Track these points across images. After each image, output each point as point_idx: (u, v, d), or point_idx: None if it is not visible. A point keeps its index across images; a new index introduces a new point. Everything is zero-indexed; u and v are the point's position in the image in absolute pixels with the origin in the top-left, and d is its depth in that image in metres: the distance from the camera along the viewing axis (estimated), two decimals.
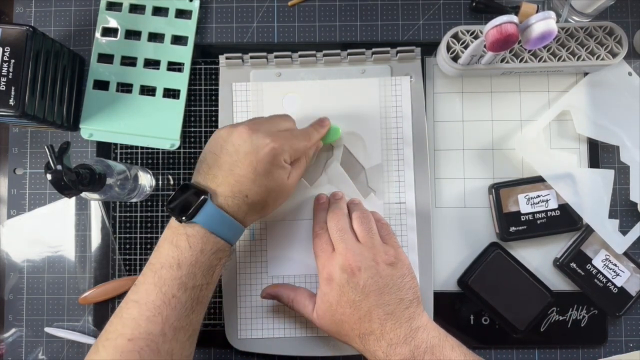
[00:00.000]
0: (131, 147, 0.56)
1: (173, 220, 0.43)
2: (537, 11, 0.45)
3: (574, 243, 0.53)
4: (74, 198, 0.56)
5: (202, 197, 0.42)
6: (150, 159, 0.56)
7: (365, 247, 0.46)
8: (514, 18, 0.44)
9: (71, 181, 0.40)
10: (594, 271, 0.53)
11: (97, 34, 0.56)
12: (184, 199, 0.42)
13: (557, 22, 0.45)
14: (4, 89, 0.47)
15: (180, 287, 0.41)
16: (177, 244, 0.42)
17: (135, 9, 0.57)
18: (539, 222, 0.53)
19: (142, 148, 0.56)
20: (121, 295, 0.55)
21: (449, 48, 0.52)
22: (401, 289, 0.45)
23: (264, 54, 0.55)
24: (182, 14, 0.57)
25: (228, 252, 0.45)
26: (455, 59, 0.52)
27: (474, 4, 0.56)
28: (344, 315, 0.45)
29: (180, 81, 0.56)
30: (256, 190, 0.44)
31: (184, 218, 0.42)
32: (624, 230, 0.53)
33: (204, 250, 0.42)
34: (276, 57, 0.55)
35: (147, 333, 0.40)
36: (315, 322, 0.48)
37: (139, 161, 0.56)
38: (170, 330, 0.41)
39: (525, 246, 0.54)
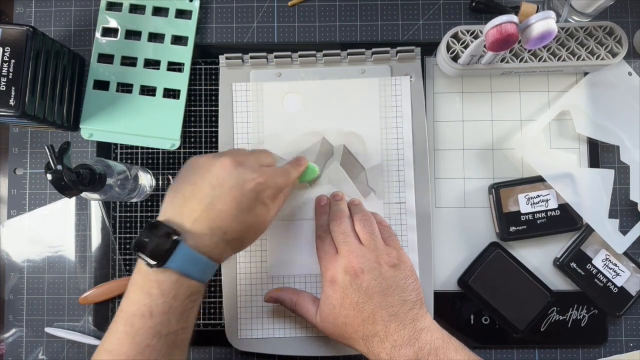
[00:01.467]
0: (131, 147, 0.56)
1: (141, 264, 0.40)
2: (537, 11, 0.45)
3: (574, 243, 0.53)
4: (74, 198, 0.56)
5: (174, 238, 0.39)
6: (150, 159, 0.56)
7: (367, 249, 0.46)
8: (514, 18, 0.44)
9: (71, 181, 0.40)
10: (594, 271, 0.53)
11: (97, 34, 0.56)
12: (154, 242, 0.39)
13: (557, 22, 0.45)
14: (4, 89, 0.47)
15: (155, 335, 0.39)
16: (148, 291, 0.39)
17: (135, 9, 0.57)
18: (539, 222, 0.53)
19: (142, 148, 0.56)
20: (121, 296, 0.55)
21: (449, 48, 0.52)
22: (404, 290, 0.45)
23: (264, 54, 0.55)
24: (182, 14, 0.57)
25: (202, 292, 0.42)
26: (455, 59, 0.52)
27: (474, 4, 0.56)
28: (348, 317, 0.45)
29: (181, 81, 0.56)
30: (236, 226, 0.42)
31: (154, 264, 0.39)
32: (624, 230, 0.53)
33: (177, 296, 0.39)
34: (276, 57, 0.55)
35: None
36: (318, 325, 0.48)
37: (139, 161, 0.56)
38: None
39: (525, 246, 0.54)
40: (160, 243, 0.39)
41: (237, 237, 0.42)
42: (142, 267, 0.40)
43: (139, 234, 0.40)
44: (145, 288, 0.39)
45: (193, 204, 0.41)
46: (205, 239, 0.40)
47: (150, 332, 0.39)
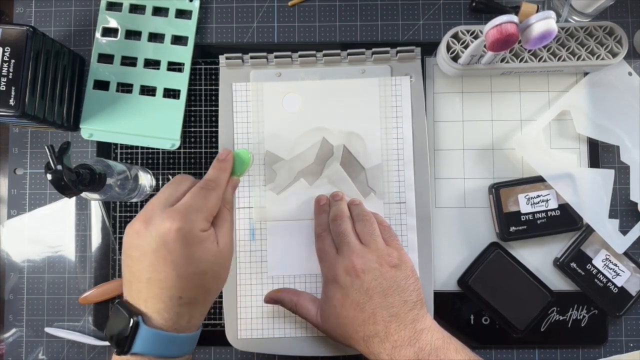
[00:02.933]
0: (131, 147, 0.56)
1: (114, 352, 0.38)
2: (537, 11, 0.45)
3: (574, 243, 0.53)
4: (74, 198, 0.56)
5: (133, 319, 0.36)
6: (150, 159, 0.56)
7: (368, 250, 0.46)
8: (514, 18, 0.44)
9: (71, 181, 0.40)
10: (594, 271, 0.53)
11: (97, 34, 0.56)
12: (117, 328, 0.37)
13: (557, 22, 0.45)
14: (4, 89, 0.47)
15: None
16: None
17: (135, 9, 0.57)
18: (539, 222, 0.53)
19: (142, 148, 0.56)
20: (121, 296, 0.55)
21: (449, 48, 0.52)
22: (405, 290, 0.45)
23: (264, 54, 0.55)
24: (182, 14, 0.57)
25: None
26: (455, 59, 0.52)
27: (474, 4, 0.56)
28: (348, 317, 0.45)
29: (181, 81, 0.56)
30: (187, 285, 0.37)
31: (121, 351, 0.37)
32: (624, 230, 0.53)
33: None
34: (276, 57, 0.55)
35: None
36: (319, 326, 0.48)
37: (139, 161, 0.56)
38: None
39: (525, 246, 0.54)
40: (122, 329, 0.37)
41: (196, 294, 0.38)
42: (114, 356, 0.38)
43: (107, 321, 0.38)
44: None
45: (136, 285, 0.38)
46: (164, 314, 0.37)
47: None
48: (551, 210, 0.53)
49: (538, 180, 0.53)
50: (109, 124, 0.56)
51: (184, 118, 0.56)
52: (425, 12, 0.57)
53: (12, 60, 0.47)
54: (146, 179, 0.54)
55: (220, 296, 0.54)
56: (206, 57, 0.57)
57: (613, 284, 0.53)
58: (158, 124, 0.56)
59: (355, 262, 0.45)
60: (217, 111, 0.56)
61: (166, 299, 0.37)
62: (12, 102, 0.47)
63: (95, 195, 0.46)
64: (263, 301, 0.52)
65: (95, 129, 0.56)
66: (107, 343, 0.54)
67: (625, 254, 0.53)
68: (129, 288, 0.38)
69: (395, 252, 0.47)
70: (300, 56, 0.55)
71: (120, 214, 0.56)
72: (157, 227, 0.37)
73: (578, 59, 0.51)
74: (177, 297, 0.37)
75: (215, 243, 0.39)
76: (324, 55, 0.55)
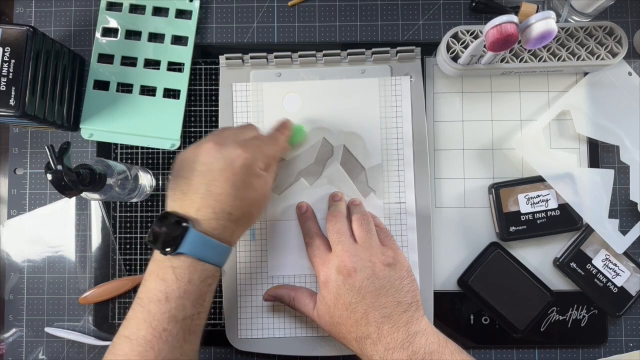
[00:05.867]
0: (131, 147, 0.56)
1: (157, 253, 0.42)
2: (537, 11, 0.45)
3: (574, 243, 0.53)
4: (74, 198, 0.56)
5: (183, 225, 0.40)
6: (150, 159, 0.56)
7: (362, 248, 0.46)
8: (514, 18, 0.44)
9: (71, 181, 0.40)
10: (594, 271, 0.53)
11: (97, 34, 0.56)
12: (165, 230, 0.40)
13: (557, 22, 0.45)
14: (4, 89, 0.47)
15: (171, 320, 0.40)
16: (163, 277, 0.41)
17: (135, 9, 0.57)
18: (539, 222, 0.53)
19: (142, 148, 0.56)
20: (121, 295, 0.55)
21: (449, 48, 0.52)
22: (399, 291, 0.45)
23: (264, 54, 0.55)
24: (182, 14, 0.57)
25: (218, 276, 0.44)
26: (455, 59, 0.52)
27: (473, 4, 0.56)
28: (341, 317, 0.45)
29: (181, 81, 0.56)
30: (239, 204, 0.42)
31: (167, 250, 0.40)
32: (623, 230, 0.53)
33: (192, 280, 0.41)
34: (276, 57, 0.55)
35: None
36: (316, 320, 0.48)
37: (139, 161, 0.56)
38: None
39: (525, 246, 0.54)
40: (171, 231, 0.40)
41: (242, 214, 0.43)
42: (157, 256, 0.42)
43: (152, 226, 0.41)
44: (161, 275, 0.41)
45: (191, 195, 0.42)
46: (212, 223, 0.41)
47: (166, 316, 0.40)
48: (551, 210, 0.53)
49: (538, 180, 0.53)
50: (109, 124, 0.56)
51: (184, 118, 0.56)
52: (425, 12, 0.57)
53: (12, 60, 0.47)
54: (146, 179, 0.54)
55: (221, 296, 0.54)
56: (206, 57, 0.57)
57: (613, 284, 0.53)
58: (158, 124, 0.56)
59: (347, 260, 0.45)
60: (217, 111, 0.56)
61: (218, 210, 0.41)
62: (12, 102, 0.47)
63: (95, 195, 0.46)
64: (263, 299, 0.52)
65: (95, 129, 0.56)
66: (107, 343, 0.54)
67: (625, 253, 0.53)
68: (182, 199, 0.42)
69: (390, 251, 0.47)
70: (300, 56, 0.55)
71: (120, 214, 0.56)
72: (229, 151, 0.42)
73: (578, 59, 0.51)
74: (227, 212, 0.42)
75: (266, 183, 0.45)
76: (324, 55, 0.55)
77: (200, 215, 0.41)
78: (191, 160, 0.43)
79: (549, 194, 0.53)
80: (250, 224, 0.46)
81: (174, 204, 0.43)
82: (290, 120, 0.51)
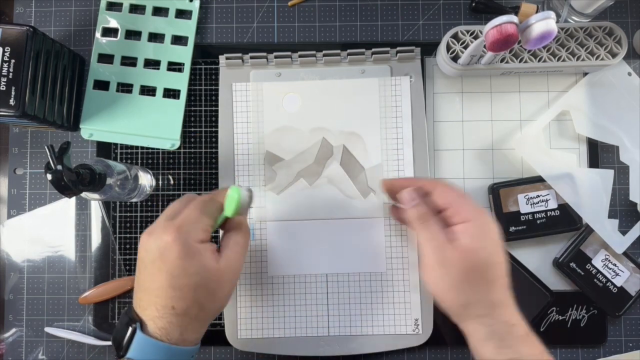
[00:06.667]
0: (131, 147, 0.56)
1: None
2: (537, 11, 0.45)
3: (574, 243, 0.53)
4: (74, 198, 0.56)
5: (131, 327, 0.38)
6: (150, 159, 0.56)
7: None
8: (513, 18, 0.44)
9: (71, 181, 0.40)
10: (594, 271, 0.53)
11: (97, 34, 0.56)
12: (117, 332, 0.39)
13: (557, 22, 0.45)
14: (4, 89, 0.47)
15: None
16: None
17: (135, 9, 0.57)
18: (538, 222, 0.53)
19: (142, 148, 0.56)
20: (121, 295, 0.55)
21: (448, 48, 0.52)
22: None
23: (264, 54, 0.55)
24: (182, 14, 0.57)
25: None
26: (455, 59, 0.52)
27: (473, 4, 0.56)
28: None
29: (181, 81, 0.56)
30: (179, 295, 0.38)
31: (120, 354, 0.38)
32: (623, 230, 0.53)
33: None
34: (276, 57, 0.55)
35: None
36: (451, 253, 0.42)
37: (139, 161, 0.56)
38: None
39: (525, 246, 0.54)
40: (120, 333, 0.39)
41: (188, 306, 0.38)
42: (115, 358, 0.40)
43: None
44: None
45: (139, 294, 0.40)
46: (158, 322, 0.38)
47: None
48: (551, 210, 0.53)
49: (538, 180, 0.53)
50: (109, 124, 0.56)
51: (184, 118, 0.56)
52: (425, 12, 0.57)
53: (12, 60, 0.47)
54: (146, 179, 0.54)
55: None
56: (206, 57, 0.57)
57: (612, 284, 0.53)
58: (158, 124, 0.56)
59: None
60: (217, 111, 0.56)
61: (160, 307, 0.38)
62: (12, 102, 0.47)
63: (95, 195, 0.46)
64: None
65: (95, 129, 0.56)
66: (107, 343, 0.54)
67: (625, 254, 0.53)
68: (135, 296, 0.40)
69: None
70: (300, 56, 0.55)
71: (120, 214, 0.56)
72: (156, 239, 0.39)
73: (578, 59, 0.52)
74: (169, 306, 0.38)
75: (214, 259, 0.39)
76: (324, 55, 0.55)
77: (146, 316, 0.39)
78: (138, 257, 0.41)
79: (548, 194, 0.53)
80: (209, 314, 0.40)
81: (134, 300, 0.41)
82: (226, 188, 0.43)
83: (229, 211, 0.42)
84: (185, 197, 0.43)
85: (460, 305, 0.42)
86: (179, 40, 0.57)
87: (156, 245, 0.38)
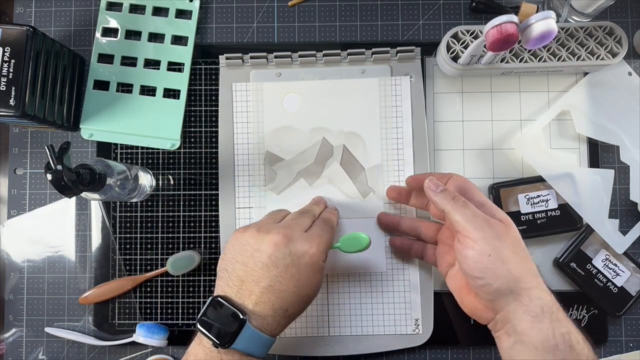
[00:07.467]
0: (131, 147, 0.56)
1: (204, 339, 0.40)
2: (537, 11, 0.45)
3: (574, 243, 0.53)
4: (74, 198, 0.56)
5: (241, 318, 0.39)
6: (150, 159, 0.56)
7: None
8: (514, 18, 0.44)
9: (71, 181, 0.40)
10: (594, 271, 0.53)
11: (97, 34, 0.56)
12: (220, 322, 0.39)
13: (557, 22, 0.45)
14: (4, 89, 0.47)
15: None
16: None
17: (136, 9, 0.57)
18: (539, 222, 0.53)
19: (142, 148, 0.56)
20: (121, 295, 0.55)
21: (449, 48, 0.52)
22: None
23: (264, 54, 0.55)
24: (182, 14, 0.57)
25: None
26: (455, 59, 0.52)
27: (473, 4, 0.56)
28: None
29: (181, 81, 0.56)
30: (297, 301, 0.41)
31: (220, 344, 0.39)
32: (624, 230, 0.53)
33: None
34: (276, 57, 0.55)
35: None
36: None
37: (139, 161, 0.56)
38: None
39: (526, 246, 0.54)
40: (227, 324, 0.39)
41: (298, 311, 0.42)
42: (206, 344, 0.40)
43: (202, 310, 0.40)
44: None
45: (250, 286, 0.40)
46: (269, 320, 0.40)
47: None
48: (551, 210, 0.53)
49: (538, 180, 0.53)
50: (109, 124, 0.56)
51: (184, 118, 0.56)
52: (425, 12, 0.57)
53: (12, 60, 0.47)
54: (146, 179, 0.54)
55: None
56: (206, 57, 0.57)
57: (613, 284, 0.53)
58: (158, 124, 0.56)
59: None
60: (217, 111, 0.56)
61: (277, 307, 0.40)
62: (12, 102, 0.47)
63: (95, 195, 0.46)
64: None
65: (95, 129, 0.56)
66: (107, 343, 0.54)
67: (625, 254, 0.53)
68: (238, 285, 0.41)
69: None
70: (300, 56, 0.55)
71: (120, 214, 0.56)
72: (296, 247, 0.41)
73: (578, 59, 0.51)
74: (285, 309, 0.41)
75: (322, 275, 0.43)
76: (324, 55, 0.55)
77: (257, 310, 0.40)
78: (253, 248, 0.41)
79: (549, 194, 0.53)
80: (296, 317, 0.44)
81: (228, 289, 0.41)
82: (319, 196, 0.52)
83: (349, 248, 0.47)
84: (309, 210, 0.47)
85: (514, 279, 0.40)
86: (179, 40, 0.57)
87: (296, 252, 0.41)
